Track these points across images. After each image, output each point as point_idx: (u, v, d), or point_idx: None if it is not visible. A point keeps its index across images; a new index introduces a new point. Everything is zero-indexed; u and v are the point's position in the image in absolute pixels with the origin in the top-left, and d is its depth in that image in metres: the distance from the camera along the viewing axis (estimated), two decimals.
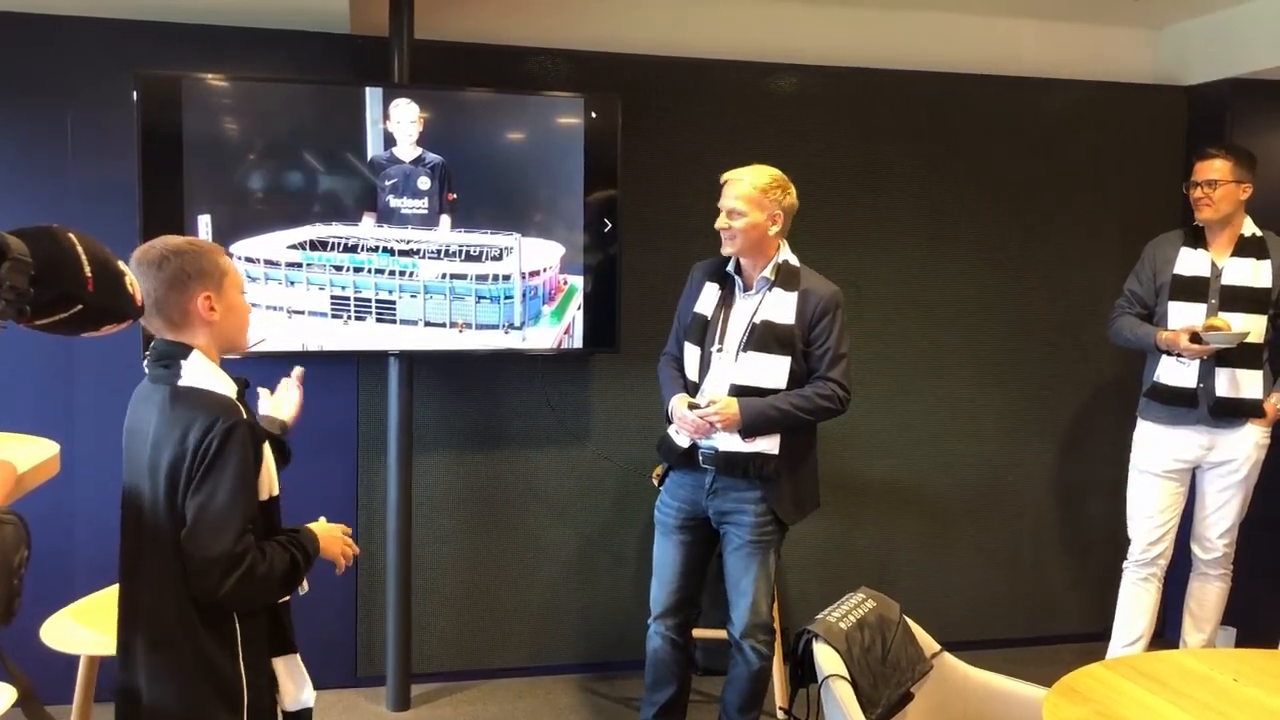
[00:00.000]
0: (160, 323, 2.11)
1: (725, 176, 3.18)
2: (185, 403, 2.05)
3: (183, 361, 2.09)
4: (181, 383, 2.07)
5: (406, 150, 3.69)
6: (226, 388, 2.10)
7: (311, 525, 2.27)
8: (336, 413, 4.02)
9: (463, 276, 3.78)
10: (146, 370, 2.15)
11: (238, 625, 2.08)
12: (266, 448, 2.14)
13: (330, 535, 2.28)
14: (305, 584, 2.21)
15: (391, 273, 3.72)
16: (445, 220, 3.74)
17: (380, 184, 3.69)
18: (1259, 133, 4.44)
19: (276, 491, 2.17)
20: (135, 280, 1.86)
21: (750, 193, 3.09)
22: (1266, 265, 3.73)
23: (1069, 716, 2.24)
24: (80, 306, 1.73)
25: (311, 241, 3.66)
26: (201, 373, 2.09)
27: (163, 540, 2.04)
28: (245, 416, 2.05)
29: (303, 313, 3.68)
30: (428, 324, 3.77)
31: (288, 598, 2.19)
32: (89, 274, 1.73)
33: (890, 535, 4.56)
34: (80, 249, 1.73)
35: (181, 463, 2.01)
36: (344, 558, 2.30)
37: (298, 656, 2.20)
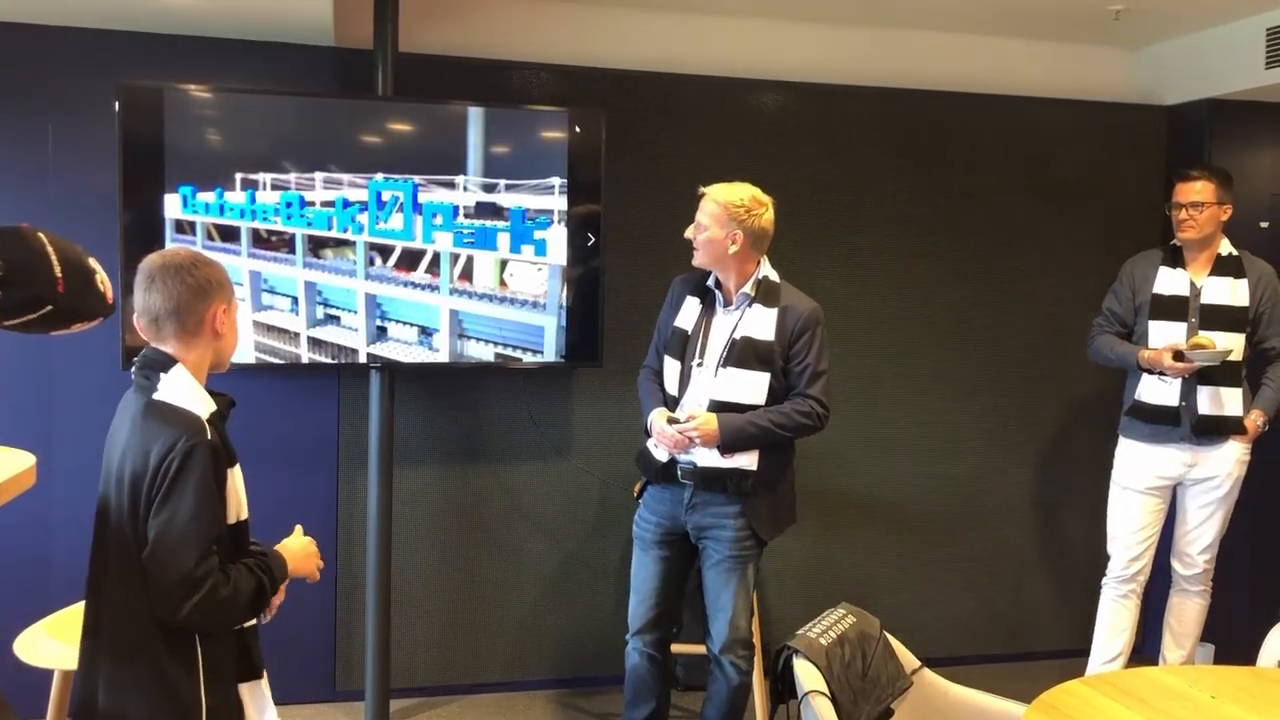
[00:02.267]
0: (172, 328, 2.09)
1: (702, 190, 3.20)
2: (154, 417, 2.03)
3: (163, 374, 2.07)
4: (156, 396, 2.06)
5: (391, 163, 3.69)
6: (201, 406, 2.07)
7: (283, 542, 2.25)
8: (317, 425, 4.00)
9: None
10: (132, 377, 2.13)
11: (199, 647, 2.05)
12: (236, 471, 2.11)
13: (303, 552, 2.26)
14: (271, 611, 2.18)
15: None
16: (429, 232, 3.74)
17: (364, 196, 3.68)
18: (1236, 152, 4.48)
19: (245, 515, 2.14)
20: (107, 279, 1.84)
21: (713, 209, 3.12)
22: (1244, 284, 3.77)
23: None
24: (50, 307, 1.71)
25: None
26: (178, 388, 2.07)
27: (124, 553, 2.02)
28: (211, 437, 2.03)
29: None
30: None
31: (255, 622, 2.16)
32: (59, 275, 1.71)
33: (871, 551, 4.56)
34: (51, 249, 1.71)
35: (142, 479, 1.99)
36: (315, 572, 2.29)
37: (262, 682, 2.17)
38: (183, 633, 2.02)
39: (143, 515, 1.99)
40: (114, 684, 2.04)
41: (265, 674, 2.19)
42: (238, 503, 2.11)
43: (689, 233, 3.19)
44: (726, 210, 3.10)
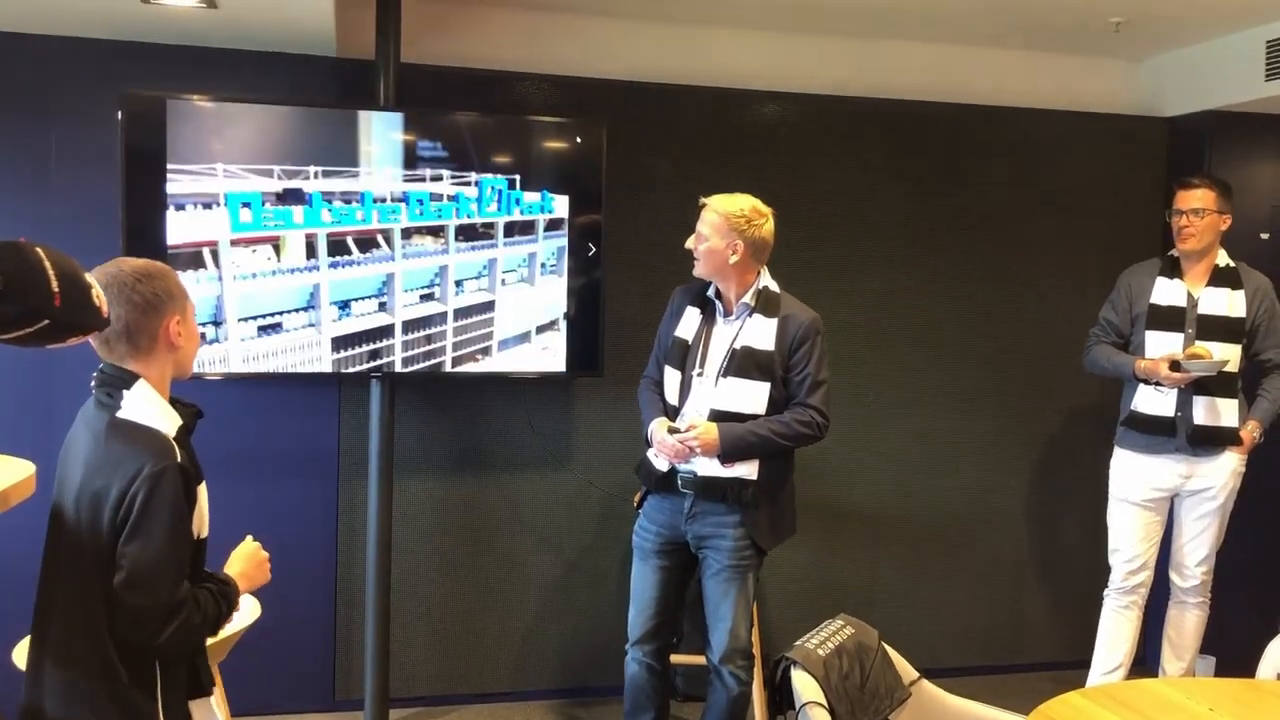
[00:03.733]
0: (125, 349, 2.03)
1: (703, 200, 3.21)
2: (120, 437, 1.97)
3: (125, 391, 2.01)
4: (120, 414, 1.99)
5: (391, 174, 3.70)
6: (167, 423, 2.02)
7: (234, 553, 2.22)
8: (318, 434, 4.00)
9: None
10: (92, 392, 2.06)
11: (158, 669, 2.01)
12: (203, 488, 2.06)
13: (254, 564, 2.22)
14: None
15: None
16: (429, 242, 3.75)
17: (363, 206, 3.69)
18: (1236, 164, 4.48)
19: (206, 534, 2.09)
20: (102, 293, 1.84)
21: (714, 219, 3.14)
22: (1240, 295, 3.78)
23: None
24: (47, 321, 1.70)
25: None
26: (143, 406, 2.01)
27: (79, 568, 1.97)
28: (179, 458, 1.98)
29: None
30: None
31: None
32: (56, 289, 1.70)
33: (869, 562, 4.56)
34: (48, 263, 1.71)
35: (106, 499, 1.93)
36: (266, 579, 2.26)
37: (210, 700, 2.14)
38: (141, 652, 1.97)
39: (106, 538, 1.94)
40: (66, 697, 1.98)
41: (214, 691, 2.17)
42: (201, 521, 2.06)
43: (690, 243, 3.20)
44: (727, 220, 3.11)
